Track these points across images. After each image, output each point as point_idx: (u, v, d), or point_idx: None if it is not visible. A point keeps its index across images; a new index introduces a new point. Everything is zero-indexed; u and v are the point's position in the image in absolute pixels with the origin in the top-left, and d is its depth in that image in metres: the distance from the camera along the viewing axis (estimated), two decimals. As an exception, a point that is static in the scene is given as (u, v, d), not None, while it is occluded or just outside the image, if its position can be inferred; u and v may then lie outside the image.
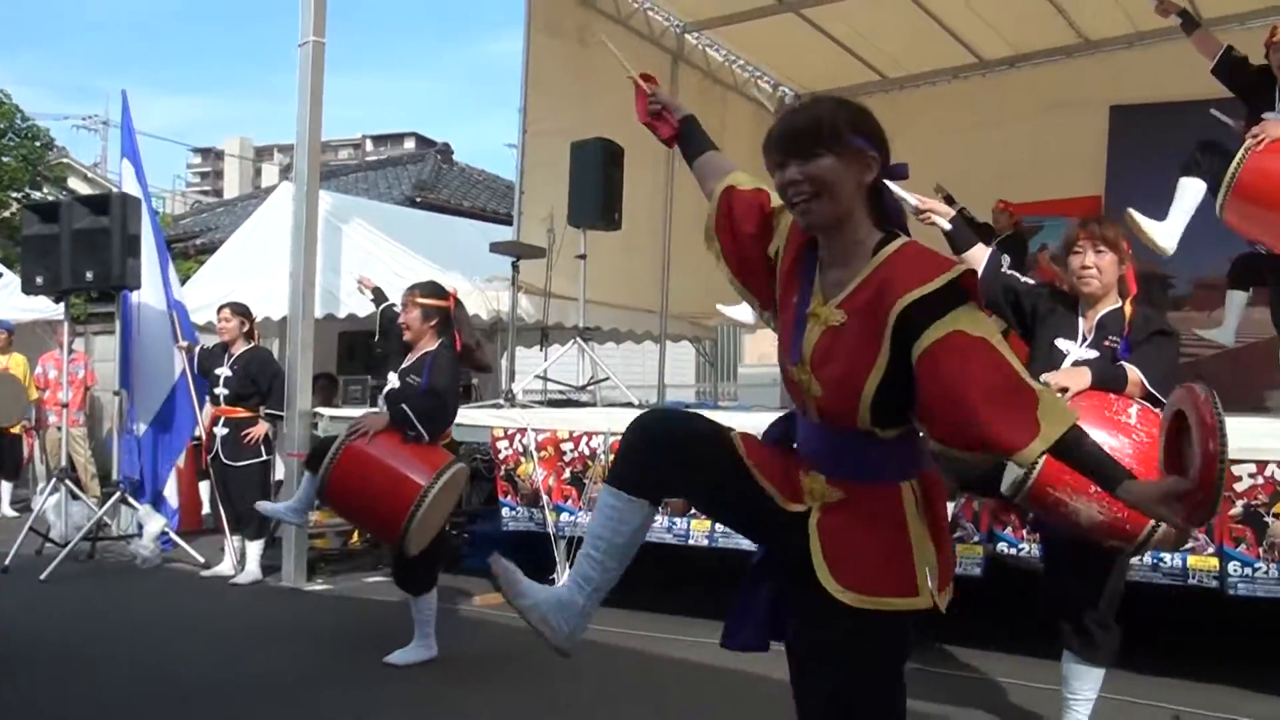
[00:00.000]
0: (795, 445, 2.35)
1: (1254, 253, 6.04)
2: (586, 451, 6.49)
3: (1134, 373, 3.68)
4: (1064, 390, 3.59)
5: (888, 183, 2.29)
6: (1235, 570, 4.69)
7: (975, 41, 10.46)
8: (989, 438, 2.03)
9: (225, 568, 7.87)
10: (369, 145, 71.09)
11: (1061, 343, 3.90)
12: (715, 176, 2.61)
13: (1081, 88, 10.15)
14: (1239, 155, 5.37)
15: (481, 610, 6.75)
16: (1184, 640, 5.70)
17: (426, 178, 17.55)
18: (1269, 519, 4.63)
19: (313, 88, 7.78)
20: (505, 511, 6.81)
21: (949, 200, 8.60)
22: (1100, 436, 3.43)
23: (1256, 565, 4.65)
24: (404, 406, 5.19)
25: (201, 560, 8.12)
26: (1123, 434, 3.44)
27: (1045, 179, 9.88)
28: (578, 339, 8.37)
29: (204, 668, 5.42)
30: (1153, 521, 3.23)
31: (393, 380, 5.45)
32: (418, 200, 16.02)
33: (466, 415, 7.09)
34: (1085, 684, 3.90)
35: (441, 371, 5.34)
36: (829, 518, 2.22)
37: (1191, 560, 4.77)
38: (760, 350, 19.16)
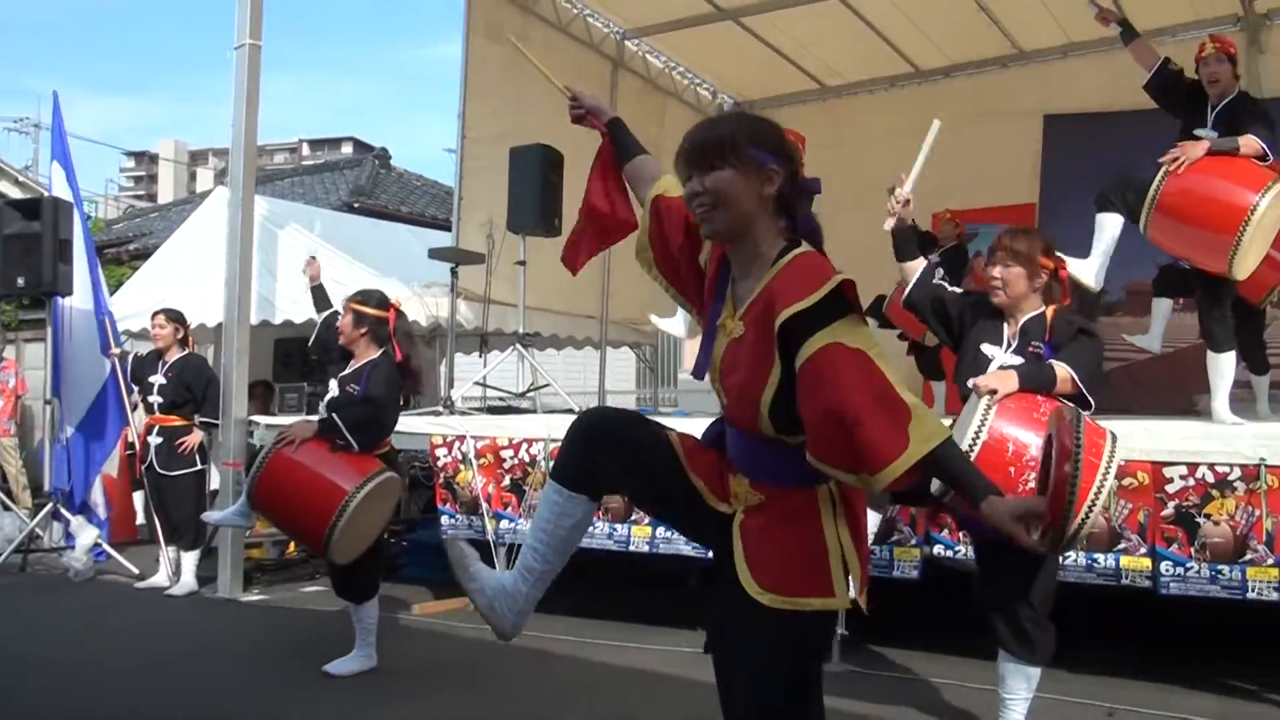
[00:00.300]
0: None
1: (1178, 264, 6.16)
2: (526, 458, 6.47)
3: (1063, 370, 3.78)
4: (993, 392, 3.67)
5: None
6: (1167, 570, 4.78)
7: (912, 51, 10.57)
8: (858, 449, 2.05)
9: (160, 579, 7.74)
10: (305, 149, 70.40)
11: (987, 348, 3.99)
12: (646, 183, 2.66)
13: (1016, 97, 10.30)
14: (1159, 176, 5.53)
15: (420, 619, 6.70)
16: (1119, 639, 5.78)
17: (364, 183, 17.41)
18: (1200, 519, 4.73)
19: (248, 91, 7.69)
20: (444, 519, 6.77)
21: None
22: (1029, 437, 3.51)
23: (1188, 565, 4.74)
24: (334, 415, 5.17)
25: (136, 572, 8.00)
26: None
27: (980, 186, 9.99)
28: (517, 345, 8.35)
29: (138, 681, 5.34)
30: (1078, 524, 3.30)
31: (333, 388, 5.42)
32: (355, 205, 15.88)
33: (405, 423, 7.03)
34: (1021, 683, 3.97)
35: (378, 381, 5.30)
36: (751, 519, 2.29)
37: (1125, 561, 4.85)
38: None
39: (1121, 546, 4.86)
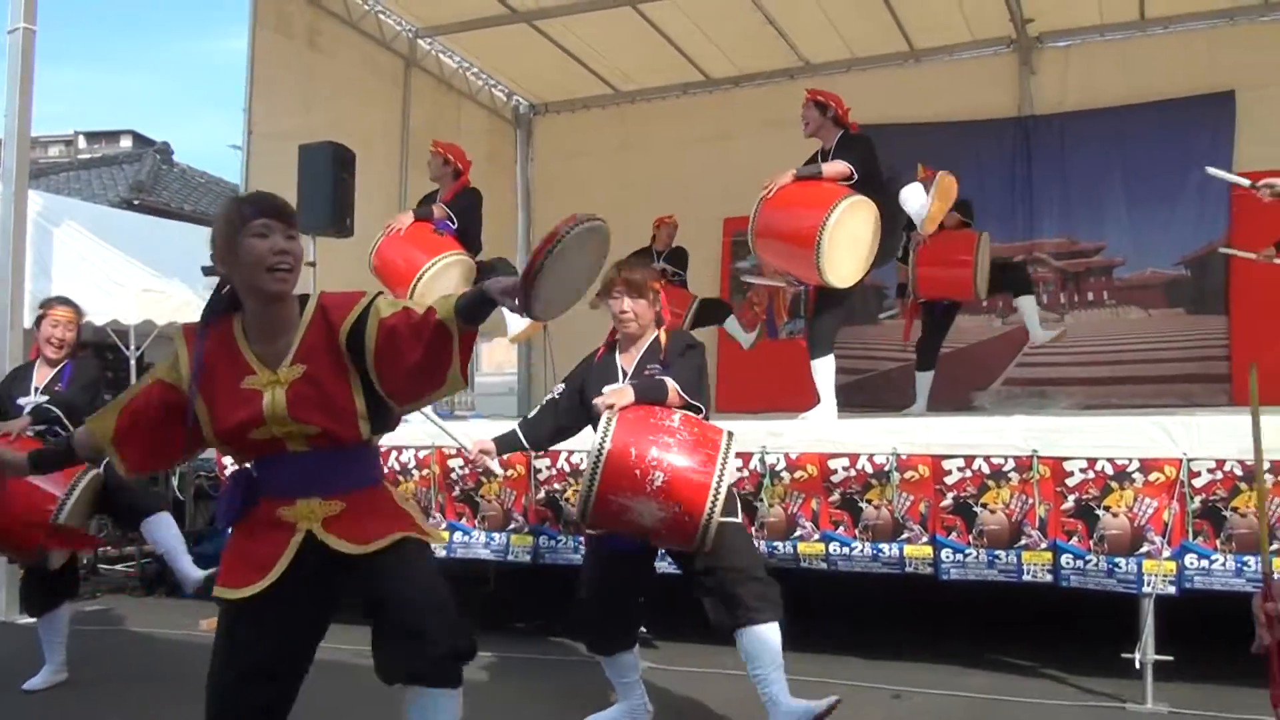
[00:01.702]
0: (260, 497, 2.72)
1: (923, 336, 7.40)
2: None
3: (671, 383, 4.08)
4: (611, 406, 3.96)
5: None
6: (947, 557, 5.05)
7: (703, 60, 10.75)
8: (435, 361, 2.57)
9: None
10: (82, 142, 66.51)
11: (606, 389, 4.18)
12: (93, 443, 2.87)
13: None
14: (756, 204, 6.13)
15: (208, 634, 6.44)
16: (904, 625, 6.02)
17: (145, 178, 16.75)
18: (977, 509, 5.01)
19: (22, 78, 7.30)
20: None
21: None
22: (647, 441, 3.85)
23: (967, 552, 5.02)
24: (41, 405, 5.21)
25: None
26: (668, 435, 3.88)
27: (769, 193, 10.21)
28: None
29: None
30: (706, 513, 3.75)
31: (35, 396, 5.43)
32: (135, 202, 15.28)
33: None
34: (768, 653, 4.01)
35: (84, 370, 5.45)
36: (333, 524, 2.68)
37: (908, 550, 5.10)
38: (497, 359, 19.10)
39: (904, 536, 5.11)
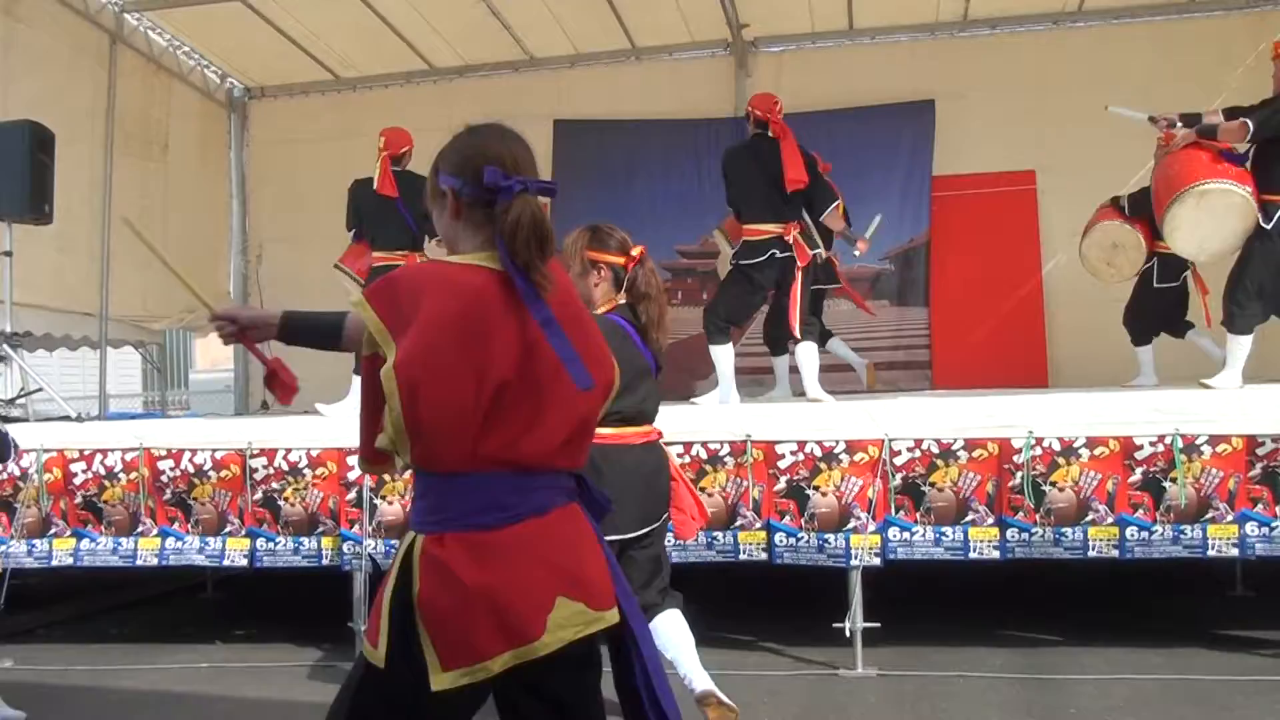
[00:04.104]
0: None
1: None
2: (16, 472, 5.90)
3: None
4: None
5: None
6: (781, 541, 5.20)
7: (427, 49, 10.65)
8: None
9: None
10: None
11: None
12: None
13: (528, 101, 10.64)
14: None
15: None
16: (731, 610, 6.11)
17: None
18: (809, 491, 5.19)
19: None
20: (-83, 539, 6.05)
21: None
22: None
23: (799, 535, 5.19)
24: None
25: None
26: None
27: (493, 184, 10.23)
28: (4, 346, 7.61)
29: None
30: None
31: None
32: None
33: None
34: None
35: None
36: None
37: (741, 536, 5.23)
38: (213, 356, 18.43)
39: (738, 524, 5.25)
